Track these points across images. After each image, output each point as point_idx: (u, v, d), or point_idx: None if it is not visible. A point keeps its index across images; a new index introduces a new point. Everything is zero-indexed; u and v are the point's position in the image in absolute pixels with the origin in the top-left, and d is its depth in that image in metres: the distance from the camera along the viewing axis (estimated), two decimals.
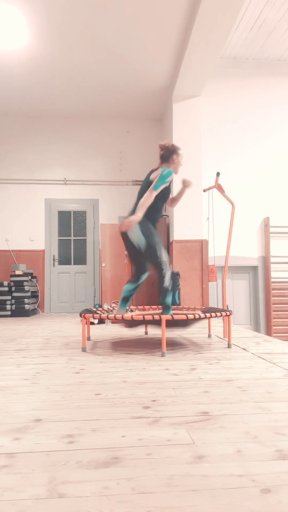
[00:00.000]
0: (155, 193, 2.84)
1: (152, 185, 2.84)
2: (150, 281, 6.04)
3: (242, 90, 6.32)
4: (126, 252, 3.04)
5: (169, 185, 2.96)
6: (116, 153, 6.93)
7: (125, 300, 3.05)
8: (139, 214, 2.79)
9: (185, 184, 3.04)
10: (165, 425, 1.28)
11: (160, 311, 3.39)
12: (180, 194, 3.15)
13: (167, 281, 2.82)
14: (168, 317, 2.51)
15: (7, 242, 6.66)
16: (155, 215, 2.96)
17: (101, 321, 4.65)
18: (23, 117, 6.82)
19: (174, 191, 5.76)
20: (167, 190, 2.96)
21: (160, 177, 2.83)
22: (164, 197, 2.96)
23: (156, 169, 2.97)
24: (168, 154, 3.00)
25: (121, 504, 0.82)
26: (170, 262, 2.91)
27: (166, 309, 2.83)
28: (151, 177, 2.93)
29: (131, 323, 2.91)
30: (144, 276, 3.08)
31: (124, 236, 2.99)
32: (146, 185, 2.96)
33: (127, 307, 3.13)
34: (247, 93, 6.32)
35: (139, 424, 1.29)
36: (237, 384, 1.79)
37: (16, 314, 5.85)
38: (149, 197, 2.82)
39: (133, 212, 2.95)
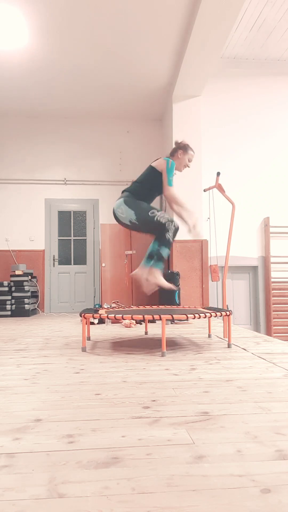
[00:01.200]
0: (172, 188, 2.85)
1: (165, 184, 2.85)
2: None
3: (242, 90, 6.32)
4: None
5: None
6: (116, 153, 6.93)
7: (151, 256, 2.92)
8: (179, 203, 2.80)
9: (190, 223, 2.94)
10: (165, 425, 1.28)
11: (160, 309, 3.39)
12: (179, 214, 3.00)
13: (171, 233, 2.75)
14: (168, 316, 2.51)
15: (7, 242, 6.66)
16: (147, 201, 2.96)
17: (101, 321, 4.65)
18: (23, 117, 6.82)
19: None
20: (160, 182, 2.94)
21: (168, 170, 2.84)
22: (158, 189, 2.96)
23: (157, 159, 2.98)
24: (175, 149, 3.02)
25: (121, 504, 0.82)
26: (172, 221, 2.78)
27: (158, 258, 2.77)
28: (155, 164, 2.93)
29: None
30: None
31: (117, 218, 2.95)
32: (148, 171, 2.95)
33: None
34: (247, 93, 6.32)
35: (139, 424, 1.29)
36: (237, 384, 1.79)
37: (16, 314, 5.85)
38: (173, 194, 2.84)
39: (130, 189, 2.94)
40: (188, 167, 3.06)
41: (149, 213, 2.78)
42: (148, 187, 2.94)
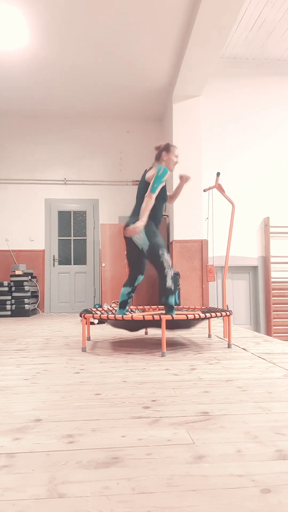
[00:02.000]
0: (154, 195, 2.84)
1: (149, 189, 2.84)
2: (150, 281, 6.04)
3: (242, 90, 6.32)
4: (126, 253, 3.04)
5: (165, 185, 2.97)
6: (116, 153, 6.93)
7: (123, 305, 3.05)
8: (144, 219, 2.80)
9: (183, 179, 3.03)
10: (165, 425, 1.28)
11: (161, 311, 3.39)
12: (179, 189, 3.12)
13: (169, 281, 2.82)
14: (168, 317, 2.51)
15: (7, 242, 6.66)
16: (158, 214, 2.96)
17: (101, 321, 4.65)
18: (23, 117, 6.82)
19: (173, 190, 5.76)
20: (163, 188, 2.96)
21: (156, 178, 2.83)
22: (163, 195, 2.96)
23: (150, 168, 2.98)
24: (159, 153, 3.02)
25: (121, 504, 0.82)
26: (171, 264, 2.91)
27: (169, 309, 2.83)
28: (146, 177, 2.93)
29: (133, 327, 2.90)
30: (140, 279, 3.09)
31: (127, 238, 2.99)
32: (142, 185, 2.97)
33: (126, 312, 3.13)
34: (247, 93, 6.32)
35: (139, 424, 1.29)
36: (237, 384, 1.79)
37: (16, 314, 5.85)
38: (150, 202, 2.83)
39: (133, 215, 2.96)
40: (177, 162, 3.07)
41: (159, 251, 2.83)
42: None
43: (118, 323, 2.89)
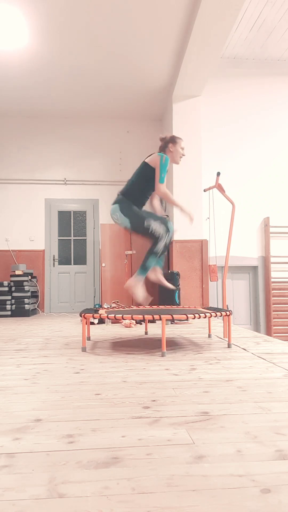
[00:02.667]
0: (163, 185, 2.81)
1: (157, 180, 2.82)
2: (150, 281, 6.04)
3: (242, 90, 6.32)
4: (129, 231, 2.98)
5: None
6: (116, 153, 6.93)
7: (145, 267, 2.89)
8: (176, 204, 2.74)
9: (187, 215, 2.90)
10: (165, 425, 1.28)
11: (160, 309, 3.39)
12: (176, 205, 2.93)
13: (160, 246, 2.74)
14: (168, 317, 2.51)
15: (7, 242, 6.65)
16: (140, 198, 2.92)
17: (101, 321, 4.65)
18: (23, 117, 6.82)
19: (173, 193, 5.77)
20: (153, 177, 2.90)
21: (161, 167, 2.81)
22: (153, 185, 2.92)
23: (150, 155, 2.95)
24: (165, 144, 3.00)
25: (121, 504, 0.82)
26: (167, 231, 2.76)
27: (141, 269, 2.77)
28: (148, 160, 2.90)
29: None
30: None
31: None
32: (141, 168, 2.92)
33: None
34: (247, 93, 6.32)
35: (139, 424, 1.29)
36: (237, 384, 1.79)
37: (16, 314, 5.85)
38: (165, 190, 2.80)
39: (124, 190, 2.91)
40: (184, 155, 3.05)
41: (145, 223, 2.76)
42: (142, 185, 2.90)
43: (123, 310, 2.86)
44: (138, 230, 2.80)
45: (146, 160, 2.92)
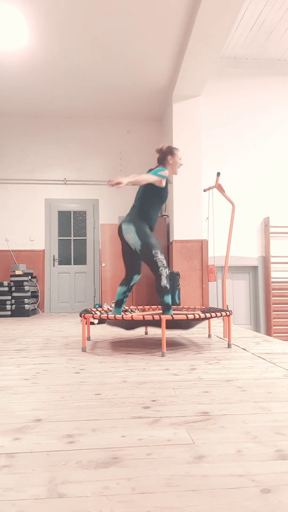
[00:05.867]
0: (154, 177, 2.82)
1: (151, 173, 2.86)
2: (150, 282, 6.04)
3: (242, 90, 6.32)
4: (122, 253, 3.04)
5: (166, 187, 2.96)
6: (116, 153, 6.93)
7: (119, 304, 3.06)
8: (129, 178, 2.69)
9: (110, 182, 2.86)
10: (165, 425, 1.28)
11: (160, 311, 3.39)
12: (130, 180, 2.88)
13: (164, 280, 2.82)
14: (168, 317, 2.51)
15: (7, 242, 6.66)
16: (152, 215, 2.96)
17: (101, 321, 4.65)
18: (23, 117, 6.82)
19: (173, 193, 5.77)
20: (164, 192, 2.96)
21: (155, 170, 2.86)
22: (162, 198, 2.96)
23: (153, 168, 2.99)
24: (163, 156, 3.02)
25: (121, 504, 0.82)
26: (166, 263, 2.91)
27: (166, 308, 2.83)
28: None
29: (130, 325, 2.90)
30: (136, 278, 3.09)
31: (122, 238, 3.00)
32: (142, 186, 2.97)
33: (121, 311, 3.13)
34: (247, 93, 6.32)
35: (139, 424, 1.29)
36: (237, 384, 1.79)
37: (16, 314, 5.85)
38: (147, 176, 2.79)
39: (130, 214, 2.95)
40: (182, 164, 3.07)
41: (153, 252, 2.83)
42: (151, 200, 2.94)
43: (116, 322, 2.89)
44: (144, 254, 2.86)
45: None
